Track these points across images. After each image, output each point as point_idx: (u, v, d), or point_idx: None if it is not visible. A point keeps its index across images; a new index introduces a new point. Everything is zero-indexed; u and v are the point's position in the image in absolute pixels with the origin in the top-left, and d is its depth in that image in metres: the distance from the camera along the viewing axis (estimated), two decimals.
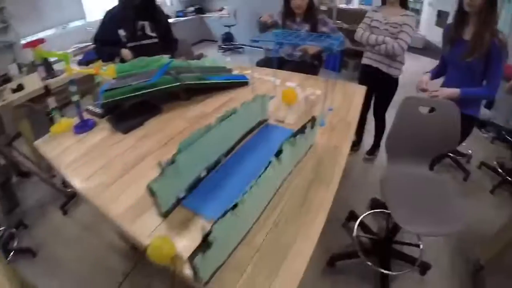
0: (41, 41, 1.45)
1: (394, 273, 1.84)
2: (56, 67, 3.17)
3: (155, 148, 1.26)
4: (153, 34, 2.26)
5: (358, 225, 2.17)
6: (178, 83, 1.41)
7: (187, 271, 0.72)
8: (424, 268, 1.87)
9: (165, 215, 0.93)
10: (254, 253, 0.83)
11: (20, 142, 2.80)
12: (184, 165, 0.94)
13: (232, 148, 1.25)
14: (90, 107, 1.58)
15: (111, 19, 2.15)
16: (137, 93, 1.37)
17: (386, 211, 1.61)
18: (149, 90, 1.37)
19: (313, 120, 1.20)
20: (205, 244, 0.67)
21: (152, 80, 1.36)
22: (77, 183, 1.11)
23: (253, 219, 0.92)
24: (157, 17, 2.31)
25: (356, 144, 3.18)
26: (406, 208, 1.45)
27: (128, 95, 1.38)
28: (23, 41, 4.14)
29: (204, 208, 0.96)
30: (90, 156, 1.26)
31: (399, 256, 1.93)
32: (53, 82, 2.82)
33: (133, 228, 0.90)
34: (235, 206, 0.75)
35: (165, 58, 1.73)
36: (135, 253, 1.93)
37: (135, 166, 1.17)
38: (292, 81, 2.03)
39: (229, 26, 6.76)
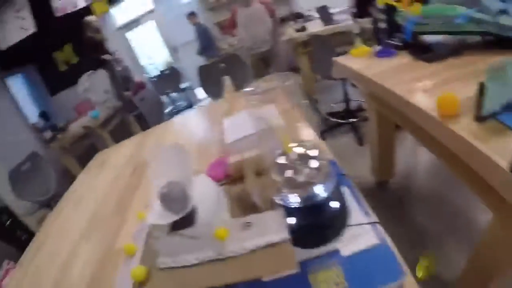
0: None
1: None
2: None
3: (454, 79, 1.12)
4: None
5: None
6: (488, 31, 1.30)
7: None
8: None
9: (480, 119, 0.82)
10: None
11: None
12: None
13: None
14: (389, 41, 1.64)
15: None
16: (449, 30, 1.43)
17: None
18: (460, 30, 1.39)
19: None
20: None
21: (461, 20, 1.35)
22: None
23: None
24: None
25: None
26: None
27: (443, 30, 1.45)
28: None
29: None
30: (396, 71, 1.36)
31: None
32: (331, 28, 3.55)
33: None
34: None
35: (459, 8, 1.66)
36: None
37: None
38: None
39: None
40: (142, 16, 6.02)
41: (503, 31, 1.22)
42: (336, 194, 0.62)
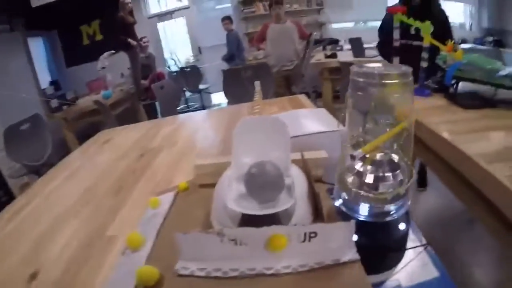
0: (402, 9, 1.67)
1: None
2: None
3: (491, 128, 1.17)
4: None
5: None
6: None
7: None
8: None
9: None
10: None
11: None
12: None
13: None
14: (427, 81, 1.66)
15: (390, 17, 2.03)
16: (488, 81, 1.46)
17: None
18: (497, 83, 1.43)
19: None
20: None
21: (502, 75, 1.42)
22: None
23: None
24: (434, 20, 2.17)
25: None
26: None
27: (481, 79, 1.49)
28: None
29: None
30: (432, 112, 1.36)
31: None
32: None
33: None
34: None
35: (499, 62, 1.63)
36: None
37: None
38: None
39: None
40: (176, 10, 6.01)
41: None
42: (404, 215, 0.50)
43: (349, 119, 0.49)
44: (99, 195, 0.94)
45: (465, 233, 1.91)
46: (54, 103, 3.67)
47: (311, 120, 0.76)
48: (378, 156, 0.46)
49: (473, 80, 1.52)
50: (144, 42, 4.58)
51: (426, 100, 1.51)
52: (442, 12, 2.28)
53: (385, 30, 2.14)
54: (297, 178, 0.51)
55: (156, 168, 1.08)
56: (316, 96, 4.20)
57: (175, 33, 6.40)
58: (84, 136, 3.90)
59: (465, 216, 1.93)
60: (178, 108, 5.53)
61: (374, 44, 4.87)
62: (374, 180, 0.45)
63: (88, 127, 4.21)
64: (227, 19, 5.15)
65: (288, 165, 0.52)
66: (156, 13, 5.97)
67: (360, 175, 0.46)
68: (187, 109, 5.85)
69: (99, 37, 5.22)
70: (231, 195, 0.48)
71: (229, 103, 2.85)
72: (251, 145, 0.55)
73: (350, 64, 2.77)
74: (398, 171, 0.46)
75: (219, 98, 6.29)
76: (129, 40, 3.94)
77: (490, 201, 0.85)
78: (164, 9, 6.03)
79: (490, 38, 6.34)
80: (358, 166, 0.47)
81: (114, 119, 2.90)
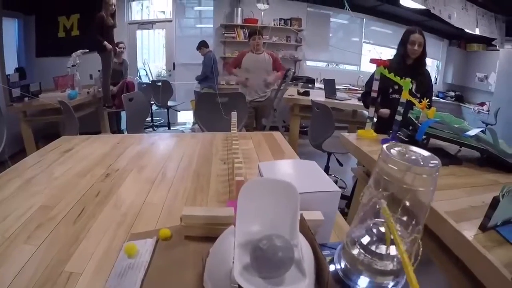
0: (384, 62, 1.76)
1: None
2: None
3: (457, 186, 1.25)
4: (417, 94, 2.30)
5: None
6: (483, 148, 1.52)
7: None
8: None
9: (484, 228, 0.92)
10: None
11: None
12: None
13: None
14: (398, 133, 1.76)
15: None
16: (455, 140, 1.59)
17: None
18: (463, 142, 1.57)
19: None
20: None
21: (468, 136, 1.55)
22: None
23: None
24: (422, 79, 2.36)
25: None
26: None
27: (449, 138, 1.60)
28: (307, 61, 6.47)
29: None
30: None
31: None
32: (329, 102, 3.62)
33: None
34: None
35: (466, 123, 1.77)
36: None
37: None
38: None
39: (486, 124, 5.69)
40: (158, 21, 5.95)
41: (501, 154, 1.46)
42: None
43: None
44: (56, 218, 0.87)
45: None
46: (16, 92, 3.45)
47: (306, 175, 0.74)
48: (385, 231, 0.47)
49: (442, 139, 1.62)
50: (120, 48, 4.46)
51: None
52: (428, 73, 2.50)
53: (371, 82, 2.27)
54: (304, 248, 0.49)
55: (122, 194, 1.03)
56: (284, 130, 4.26)
57: (152, 44, 6.31)
58: (42, 135, 3.69)
59: None
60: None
61: (344, 86, 5.14)
62: (378, 255, 0.46)
63: (48, 126, 3.98)
64: (202, 46, 5.09)
65: (296, 233, 0.49)
66: (137, 20, 5.87)
67: (366, 249, 0.47)
68: (152, 124, 5.73)
69: (75, 32, 5.02)
70: (236, 265, 0.44)
71: (199, 125, 2.81)
72: (258, 209, 0.51)
73: (323, 105, 2.87)
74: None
75: (185, 116, 6.22)
76: (105, 42, 3.82)
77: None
78: (146, 17, 5.96)
79: (452, 94, 7.02)
80: (365, 240, 0.47)
81: (77, 123, 2.75)
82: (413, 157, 0.46)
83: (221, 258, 0.47)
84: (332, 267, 0.51)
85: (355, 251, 0.48)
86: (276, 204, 0.51)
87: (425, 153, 0.48)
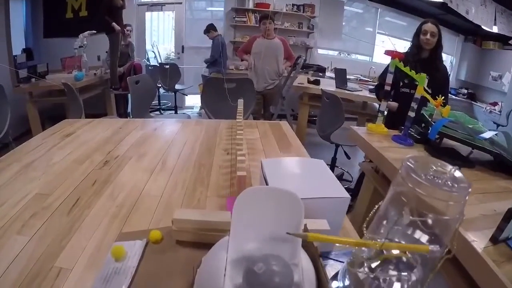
0: (399, 55, 1.68)
1: None
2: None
3: (473, 191, 1.15)
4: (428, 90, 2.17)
5: None
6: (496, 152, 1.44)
7: None
8: None
9: (495, 241, 0.86)
10: None
11: None
12: None
13: None
14: (411, 130, 1.70)
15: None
16: (469, 141, 1.52)
17: None
18: (476, 144, 1.50)
19: None
20: None
21: (483, 138, 1.49)
22: None
23: None
24: (436, 74, 2.23)
25: None
26: None
27: (463, 139, 1.53)
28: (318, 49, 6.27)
29: None
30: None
31: None
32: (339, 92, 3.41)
33: None
34: None
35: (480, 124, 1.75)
36: None
37: None
38: None
39: (497, 125, 5.63)
40: (168, 3, 5.85)
41: None
42: None
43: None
44: (51, 207, 0.84)
45: None
46: (23, 73, 3.43)
47: (312, 177, 0.69)
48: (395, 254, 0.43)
49: (456, 139, 1.55)
50: (127, 30, 4.41)
51: (408, 150, 1.56)
52: (445, 69, 2.38)
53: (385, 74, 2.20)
54: (305, 267, 0.43)
55: (119, 184, 1.00)
56: (293, 118, 4.20)
57: (161, 26, 6.22)
58: (48, 116, 3.68)
59: None
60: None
61: (355, 77, 5.03)
62: (385, 280, 0.42)
63: (54, 107, 3.97)
64: (211, 29, 4.93)
65: (298, 250, 0.43)
66: (147, 2, 5.78)
67: (373, 271, 0.43)
68: (159, 107, 5.70)
69: (83, 13, 4.96)
70: (227, 285, 0.39)
71: (205, 110, 2.77)
72: (256, 221, 0.45)
73: (332, 95, 2.80)
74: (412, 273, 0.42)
75: (193, 100, 6.18)
76: (113, 24, 3.77)
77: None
78: None
79: (465, 91, 6.80)
80: (374, 263, 0.43)
81: (81, 105, 2.72)
82: (440, 177, 0.42)
83: (213, 272, 0.43)
84: (335, 284, 0.47)
85: (362, 275, 0.43)
86: (276, 217, 0.45)
87: (450, 168, 0.43)
